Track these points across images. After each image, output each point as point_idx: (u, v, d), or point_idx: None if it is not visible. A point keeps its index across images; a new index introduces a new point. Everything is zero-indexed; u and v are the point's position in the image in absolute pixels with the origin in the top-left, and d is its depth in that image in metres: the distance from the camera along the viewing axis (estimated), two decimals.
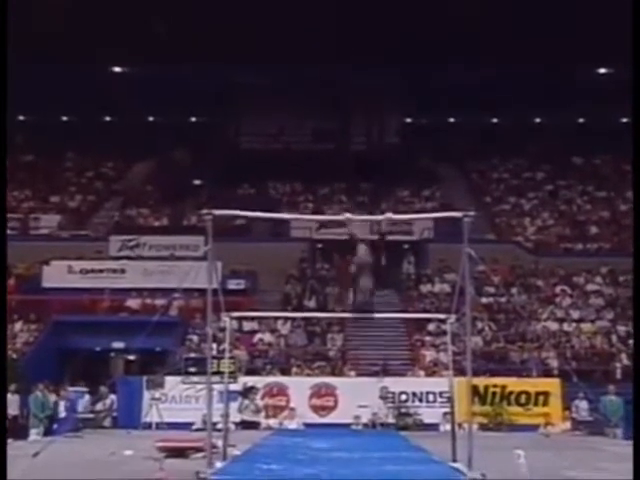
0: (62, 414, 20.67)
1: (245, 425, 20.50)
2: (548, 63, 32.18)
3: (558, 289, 27.87)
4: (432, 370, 23.17)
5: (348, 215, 10.21)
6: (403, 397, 21.56)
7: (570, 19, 29.09)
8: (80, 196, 35.78)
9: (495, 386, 21.48)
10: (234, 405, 19.81)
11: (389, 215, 10.26)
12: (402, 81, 36.53)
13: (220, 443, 11.75)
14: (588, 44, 29.81)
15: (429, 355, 24.03)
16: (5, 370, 18.69)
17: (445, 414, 19.22)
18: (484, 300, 26.46)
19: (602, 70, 35.21)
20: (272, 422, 21.06)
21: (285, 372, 23.24)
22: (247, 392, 21.17)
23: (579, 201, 35.21)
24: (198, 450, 12.10)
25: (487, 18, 29.15)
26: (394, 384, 21.74)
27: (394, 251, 29.88)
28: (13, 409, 20.59)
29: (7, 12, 16.83)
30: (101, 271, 28.18)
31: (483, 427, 20.06)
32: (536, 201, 35.23)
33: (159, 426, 19.68)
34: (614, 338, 25.01)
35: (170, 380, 20.69)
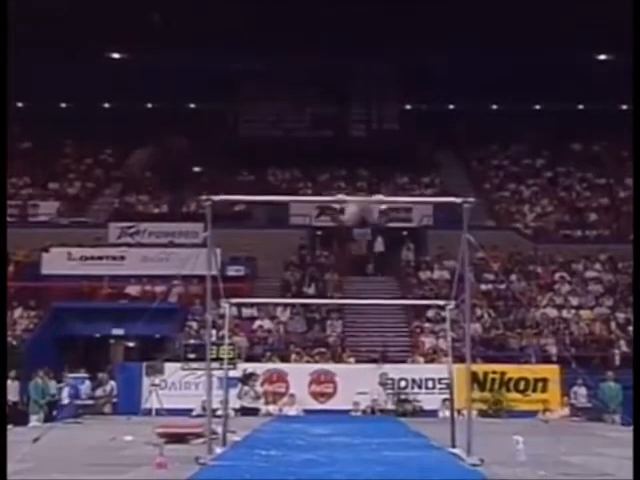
0: (65, 400, 20.73)
1: (245, 411, 20.52)
2: (547, 50, 32.10)
3: (557, 276, 27.89)
4: (431, 357, 23.20)
5: (341, 196, 10.11)
6: (402, 384, 21.60)
7: (570, 5, 29.02)
8: (79, 183, 35.78)
9: (494, 373, 21.52)
10: (233, 391, 19.82)
11: (380, 197, 10.12)
12: (402, 67, 36.49)
13: (220, 429, 11.78)
14: (587, 31, 29.77)
15: (428, 342, 24.06)
16: (5, 357, 18.69)
17: (444, 400, 19.25)
18: (483, 287, 26.52)
19: (601, 57, 35.16)
20: (271, 408, 21.10)
21: (284, 359, 23.25)
22: (247, 378, 21.19)
23: (578, 188, 35.20)
24: (198, 436, 12.13)
25: (487, 4, 29.09)
26: (393, 371, 21.78)
27: (393, 238, 29.95)
28: (13, 395, 20.66)
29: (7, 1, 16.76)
30: (100, 258, 28.18)
31: (482, 413, 20.10)
32: (535, 188, 35.23)
33: (159, 412, 19.71)
34: (613, 325, 25.04)
35: (170, 366, 20.71)
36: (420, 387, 21.60)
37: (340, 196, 10.07)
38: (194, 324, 24.39)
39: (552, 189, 35.19)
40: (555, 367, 21.77)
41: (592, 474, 9.27)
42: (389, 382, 21.51)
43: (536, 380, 21.45)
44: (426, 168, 36.18)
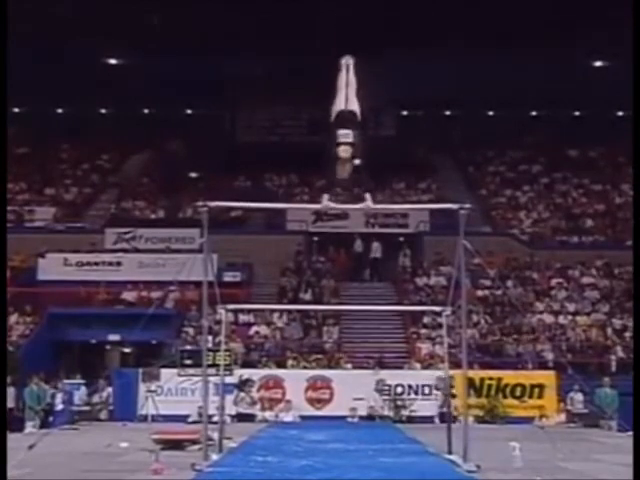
0: (59, 406, 20.68)
1: (241, 417, 20.54)
2: (544, 56, 32.12)
3: (553, 282, 27.89)
4: (428, 363, 23.19)
5: (330, 203, 10.03)
6: (399, 390, 21.60)
7: (567, 12, 29.06)
8: (76, 188, 35.68)
9: (490, 379, 21.54)
10: (230, 397, 19.82)
11: (369, 204, 10.01)
12: (398, 73, 36.49)
13: (216, 435, 11.78)
14: (585, 37, 29.80)
15: (425, 348, 24.06)
16: (5, 365, 18.63)
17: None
18: (480, 292, 26.51)
19: (598, 63, 35.17)
20: (268, 414, 21.11)
21: (281, 365, 23.24)
22: (243, 384, 21.21)
23: (574, 194, 35.18)
24: (194, 442, 12.13)
25: (485, 10, 29.11)
26: (390, 377, 21.79)
27: (390, 244, 29.95)
28: (9, 401, 20.56)
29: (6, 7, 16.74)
30: (97, 264, 28.13)
31: (478, 419, 20.10)
32: (532, 194, 35.20)
33: (155, 418, 19.66)
34: (609, 331, 25.05)
35: (166, 372, 20.67)
36: (417, 393, 21.59)
37: (331, 204, 9.97)
38: (190, 330, 24.37)
39: (548, 195, 35.18)
40: (551, 373, 21.80)
41: None
42: (386, 388, 21.51)
43: (532, 386, 21.49)
44: (422, 174, 36.14)
